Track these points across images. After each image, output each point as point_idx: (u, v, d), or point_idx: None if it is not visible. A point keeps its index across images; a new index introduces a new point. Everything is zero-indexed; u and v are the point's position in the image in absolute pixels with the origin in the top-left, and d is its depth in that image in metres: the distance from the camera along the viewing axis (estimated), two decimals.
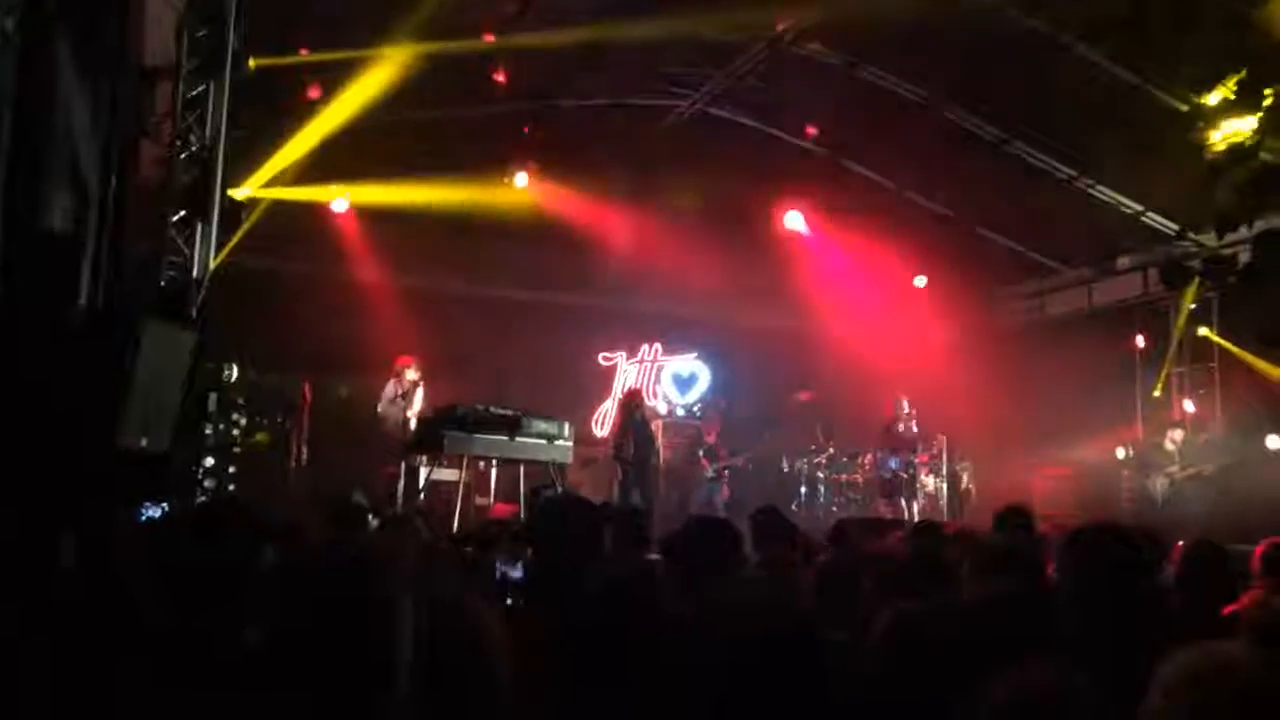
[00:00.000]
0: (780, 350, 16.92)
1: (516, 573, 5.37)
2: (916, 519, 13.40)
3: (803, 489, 16.53)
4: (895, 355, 16.45)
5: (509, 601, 4.77)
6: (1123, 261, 16.54)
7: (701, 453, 15.22)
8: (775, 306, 17.19)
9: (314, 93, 12.85)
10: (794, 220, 17.01)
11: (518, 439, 11.85)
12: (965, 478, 15.67)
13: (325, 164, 13.23)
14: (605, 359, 17.09)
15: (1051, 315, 18.14)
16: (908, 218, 16.21)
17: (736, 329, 17.14)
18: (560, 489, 11.34)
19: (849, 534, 7.55)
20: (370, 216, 14.90)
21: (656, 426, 14.64)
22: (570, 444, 12.47)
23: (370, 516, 8.97)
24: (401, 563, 2.56)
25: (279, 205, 13.18)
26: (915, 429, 14.86)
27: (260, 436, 13.29)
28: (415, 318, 14.20)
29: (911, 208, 16.33)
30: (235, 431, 12.75)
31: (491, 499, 12.77)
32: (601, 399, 16.95)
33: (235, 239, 10.77)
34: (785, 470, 16.93)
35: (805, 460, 16.71)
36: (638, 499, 12.91)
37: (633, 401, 14.17)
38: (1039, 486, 15.04)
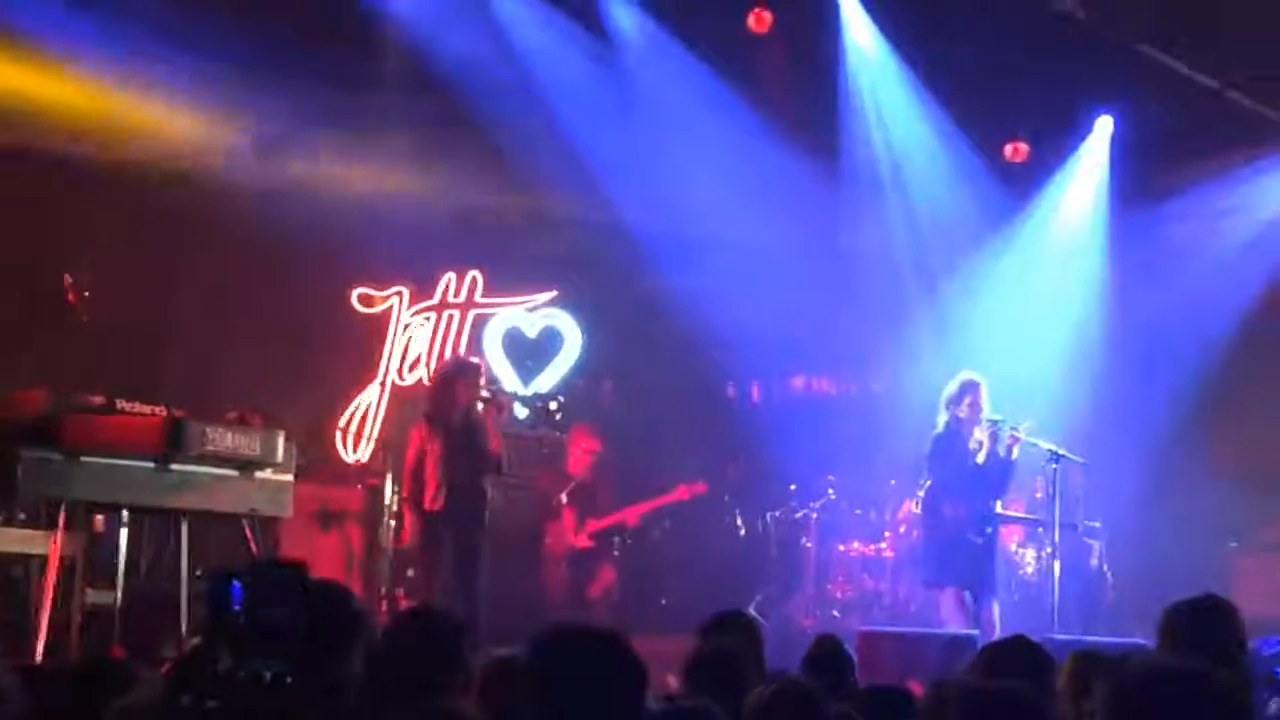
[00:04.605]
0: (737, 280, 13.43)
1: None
2: (997, 628, 10.08)
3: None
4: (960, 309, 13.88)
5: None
6: None
7: (565, 496, 12.67)
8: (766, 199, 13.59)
9: None
10: None
11: (176, 466, 10.17)
12: (1096, 550, 12.88)
13: None
14: (367, 299, 14.44)
15: None
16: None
17: (637, 239, 13.74)
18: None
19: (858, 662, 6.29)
20: None
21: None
22: (289, 478, 10.65)
23: None
24: None
25: None
26: (1004, 452, 10.62)
27: None
28: None
29: None
30: None
31: (119, 590, 10.15)
32: (358, 382, 14.32)
33: None
34: (739, 529, 13.50)
35: (784, 512, 13.25)
36: (455, 596, 10.71)
37: (463, 383, 11.11)
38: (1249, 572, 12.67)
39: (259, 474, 10.46)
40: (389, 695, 4.78)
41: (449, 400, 11.01)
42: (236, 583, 6.40)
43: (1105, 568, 11.97)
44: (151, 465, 10.01)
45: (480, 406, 10.99)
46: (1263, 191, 13.05)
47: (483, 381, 11.47)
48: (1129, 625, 10.90)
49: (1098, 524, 12.07)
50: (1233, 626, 4.88)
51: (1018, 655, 4.85)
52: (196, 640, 8.52)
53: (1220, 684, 3.04)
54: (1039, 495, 11.36)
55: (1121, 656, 4.60)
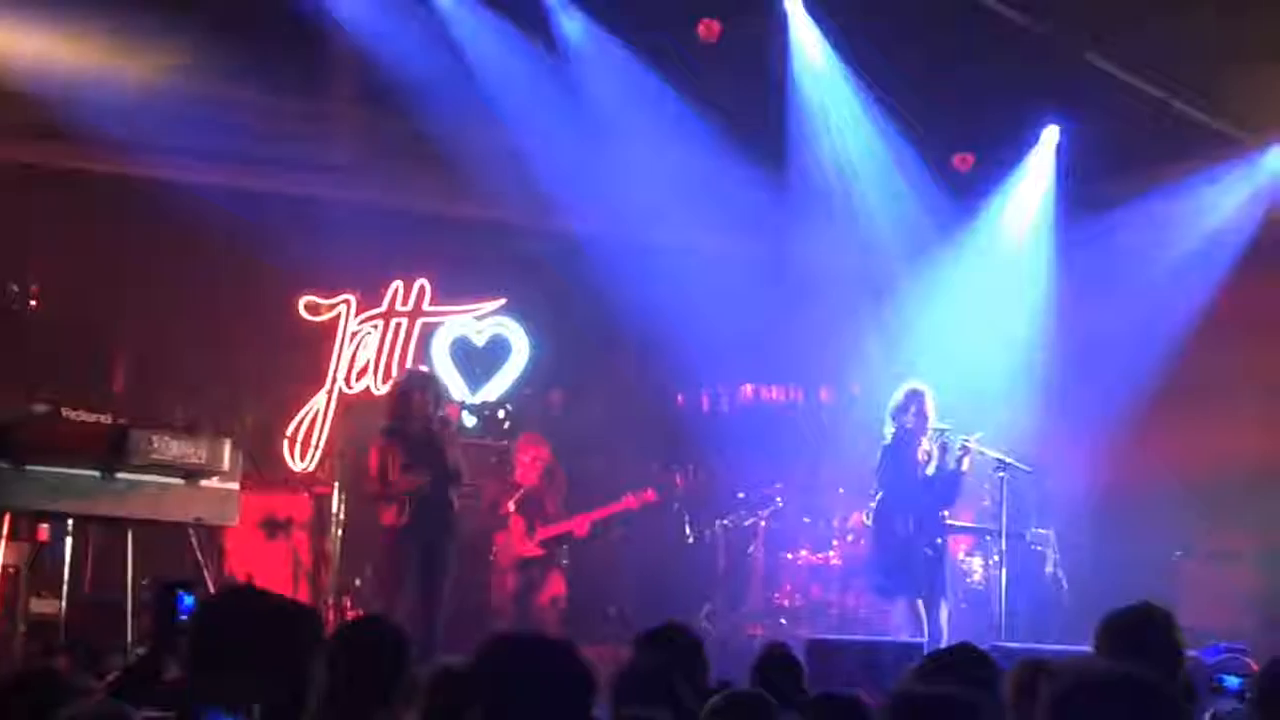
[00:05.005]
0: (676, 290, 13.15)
1: None
2: (945, 636, 9.99)
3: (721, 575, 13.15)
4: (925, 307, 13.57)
5: None
6: None
7: (513, 504, 12.37)
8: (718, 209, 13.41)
9: None
10: None
11: (122, 475, 10.02)
12: (1050, 558, 12.43)
13: None
14: (314, 307, 13.95)
15: None
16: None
17: (586, 247, 13.48)
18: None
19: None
20: None
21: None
22: (235, 486, 10.55)
23: None
24: None
25: None
26: (954, 464, 10.46)
27: None
28: None
29: None
30: None
31: (63, 600, 10.25)
32: (306, 390, 13.91)
33: None
34: (688, 538, 13.29)
35: (733, 520, 12.97)
36: (418, 607, 10.58)
37: (419, 395, 10.97)
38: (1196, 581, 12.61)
39: (205, 482, 10.31)
40: (333, 705, 4.56)
41: (406, 412, 10.90)
42: (183, 593, 6.46)
43: (1060, 575, 11.74)
44: (97, 474, 9.86)
45: (436, 426, 10.79)
46: (1208, 201, 12.92)
47: (440, 391, 11.37)
48: (1082, 633, 10.90)
49: (1048, 532, 11.83)
50: (1169, 633, 4.84)
51: (959, 662, 4.77)
52: (142, 650, 8.48)
53: (1159, 689, 3.02)
54: (986, 504, 11.09)
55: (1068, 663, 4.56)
